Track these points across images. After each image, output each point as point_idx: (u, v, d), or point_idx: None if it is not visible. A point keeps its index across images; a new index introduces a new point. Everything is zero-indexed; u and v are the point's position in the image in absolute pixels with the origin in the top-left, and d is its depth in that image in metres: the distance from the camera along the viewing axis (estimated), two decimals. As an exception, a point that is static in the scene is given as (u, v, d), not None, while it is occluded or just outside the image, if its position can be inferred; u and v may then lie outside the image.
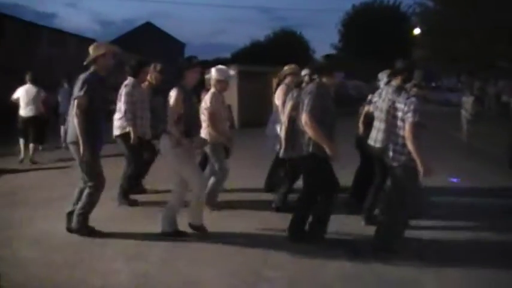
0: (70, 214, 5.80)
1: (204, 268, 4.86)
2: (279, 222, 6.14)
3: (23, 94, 10.95)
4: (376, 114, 5.89)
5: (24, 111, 10.98)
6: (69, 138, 5.65)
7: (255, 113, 17.53)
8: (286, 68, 7.54)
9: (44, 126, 11.74)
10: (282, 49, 47.71)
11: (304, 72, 7.09)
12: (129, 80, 7.14)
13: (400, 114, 5.06)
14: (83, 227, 5.71)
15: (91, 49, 5.60)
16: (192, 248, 5.38)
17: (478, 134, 14.28)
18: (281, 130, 6.84)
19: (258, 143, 9.12)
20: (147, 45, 50.07)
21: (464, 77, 18.48)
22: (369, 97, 6.54)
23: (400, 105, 5.12)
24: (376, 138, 5.79)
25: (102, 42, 5.98)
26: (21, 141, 11.16)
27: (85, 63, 5.64)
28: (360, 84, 31.01)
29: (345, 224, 6.09)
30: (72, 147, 5.63)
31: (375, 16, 45.44)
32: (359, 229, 5.98)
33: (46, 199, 7.56)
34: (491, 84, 26.37)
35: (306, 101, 5.14)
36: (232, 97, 15.82)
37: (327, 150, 5.02)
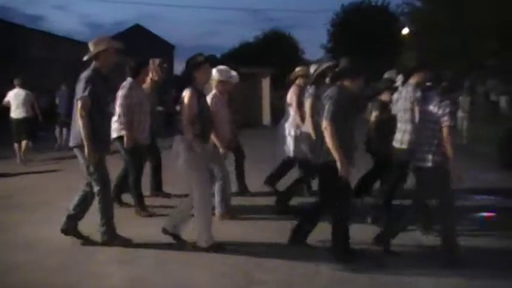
0: (70, 218, 5.50)
1: (197, 271, 4.86)
2: (272, 225, 6.16)
3: (12, 97, 11.79)
4: (400, 115, 5.85)
5: (14, 114, 11.74)
6: (73, 141, 5.34)
7: (244, 113, 17.52)
8: (297, 69, 7.53)
9: (34, 126, 12.47)
10: (271, 50, 47.77)
11: (312, 69, 6.73)
12: (127, 81, 6.75)
13: (433, 116, 4.91)
14: (112, 237, 5.42)
15: (91, 44, 5.32)
16: (184, 251, 5.36)
17: (468, 132, 14.36)
18: (292, 131, 7.02)
19: (250, 143, 9.12)
20: (137, 48, 49.69)
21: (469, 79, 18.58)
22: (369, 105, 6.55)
23: (432, 108, 4.94)
24: (402, 139, 5.76)
25: (104, 37, 5.61)
26: (16, 145, 11.74)
27: (85, 58, 5.37)
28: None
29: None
30: (76, 151, 5.35)
31: (364, 16, 45.60)
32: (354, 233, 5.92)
33: (40, 203, 7.54)
34: (479, 83, 26.54)
35: (327, 107, 4.86)
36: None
37: (338, 165, 4.74)
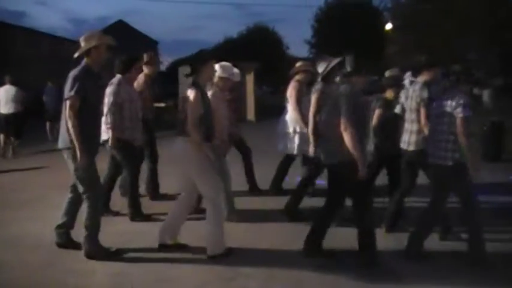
0: (59, 227, 5.28)
1: (180, 265, 4.88)
2: (255, 218, 6.19)
3: (2, 94, 12.47)
4: (407, 116, 5.70)
5: (4, 109, 12.40)
6: (62, 143, 4.99)
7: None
8: (298, 64, 7.36)
9: (23, 122, 13.04)
10: (255, 45, 47.77)
11: (320, 68, 6.27)
12: (116, 78, 6.31)
13: (447, 109, 4.80)
14: (95, 249, 5.03)
15: (82, 40, 5.03)
16: (168, 247, 5.35)
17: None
18: (297, 127, 6.94)
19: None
20: (120, 44, 49.49)
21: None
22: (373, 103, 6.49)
23: (446, 102, 4.84)
24: (409, 140, 5.61)
25: (95, 32, 5.20)
26: (1, 136, 12.50)
27: (76, 55, 5.08)
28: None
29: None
30: (65, 154, 5.00)
31: (348, 12, 45.73)
32: (338, 232, 5.86)
33: (22, 201, 7.50)
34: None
35: (345, 106, 4.72)
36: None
37: (359, 163, 4.64)
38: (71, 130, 4.78)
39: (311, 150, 6.27)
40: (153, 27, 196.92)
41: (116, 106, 6.12)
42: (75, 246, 5.18)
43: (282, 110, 7.47)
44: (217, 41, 57.47)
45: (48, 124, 15.60)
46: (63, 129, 4.99)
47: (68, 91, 4.82)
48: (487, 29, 28.22)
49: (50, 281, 4.57)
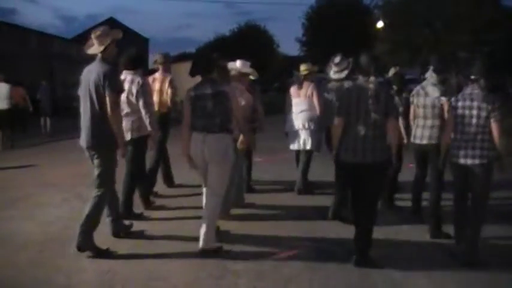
0: (83, 232, 4.98)
1: (170, 263, 4.87)
2: (245, 217, 6.20)
3: None
4: (421, 111, 5.74)
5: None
6: (93, 141, 4.98)
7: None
8: (304, 66, 7.64)
9: (24, 116, 15.24)
10: (246, 43, 47.74)
11: (337, 67, 6.69)
12: (138, 74, 6.19)
13: (482, 113, 4.77)
14: (88, 244, 4.96)
15: (96, 37, 5.01)
16: (158, 244, 5.37)
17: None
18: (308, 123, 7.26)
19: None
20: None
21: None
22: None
23: (478, 104, 4.81)
24: (430, 135, 5.67)
25: (107, 29, 5.18)
26: None
27: (90, 52, 5.07)
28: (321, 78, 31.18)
29: (317, 225, 6.17)
30: (94, 151, 5.01)
31: (339, 10, 45.83)
32: (331, 231, 5.94)
33: (11, 199, 7.44)
34: (452, 75, 26.90)
35: (392, 103, 4.74)
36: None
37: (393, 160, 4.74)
38: (114, 126, 4.91)
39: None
40: (143, 24, 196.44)
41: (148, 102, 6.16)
42: (99, 253, 5.02)
43: (280, 108, 7.58)
44: (207, 39, 57.48)
45: (42, 120, 16.99)
46: (88, 128, 4.98)
47: (110, 88, 4.85)
48: (476, 29, 28.41)
49: (39, 280, 4.54)
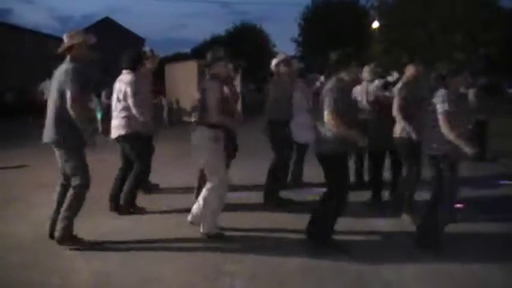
0: (54, 223, 5.30)
1: (165, 265, 4.85)
2: (239, 218, 6.18)
3: None
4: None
5: None
6: (52, 137, 5.16)
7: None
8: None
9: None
10: (242, 43, 47.75)
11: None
12: (132, 73, 6.39)
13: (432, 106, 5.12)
14: (66, 236, 5.16)
15: (66, 37, 5.21)
16: (152, 246, 5.35)
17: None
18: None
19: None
20: (106, 41, 49.42)
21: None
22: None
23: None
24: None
25: (79, 31, 5.38)
26: None
27: (59, 51, 5.27)
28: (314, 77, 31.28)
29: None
30: (56, 147, 5.22)
31: (334, 10, 45.89)
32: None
33: (3, 199, 7.40)
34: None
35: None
36: (192, 91, 15.88)
37: None
38: (77, 120, 4.98)
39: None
40: (139, 24, 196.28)
41: (138, 100, 6.26)
42: (79, 243, 5.25)
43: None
44: (203, 39, 57.51)
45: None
46: (55, 123, 5.11)
47: (71, 85, 4.96)
48: (472, 29, 28.49)
49: (32, 281, 4.51)
